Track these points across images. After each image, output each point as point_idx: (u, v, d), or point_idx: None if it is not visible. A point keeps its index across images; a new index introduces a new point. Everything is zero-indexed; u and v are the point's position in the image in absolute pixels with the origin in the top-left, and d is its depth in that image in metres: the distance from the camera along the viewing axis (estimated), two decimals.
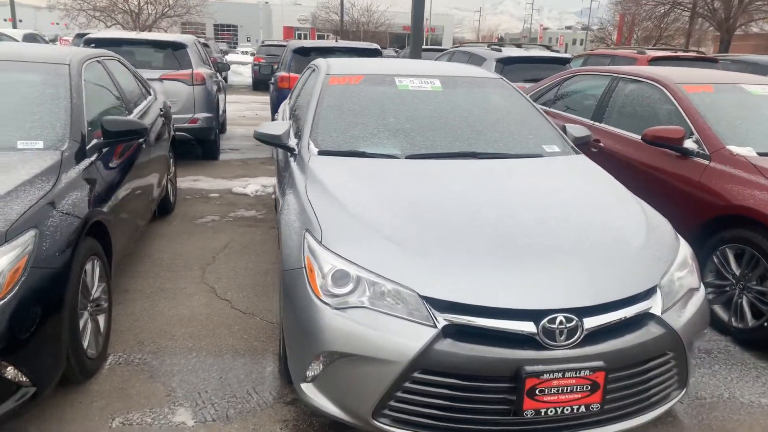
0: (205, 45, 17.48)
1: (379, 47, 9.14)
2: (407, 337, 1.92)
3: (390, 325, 1.96)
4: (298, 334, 2.13)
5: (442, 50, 11.84)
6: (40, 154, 2.69)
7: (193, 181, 6.49)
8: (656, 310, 2.10)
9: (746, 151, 3.45)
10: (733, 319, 3.29)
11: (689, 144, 3.70)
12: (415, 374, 1.92)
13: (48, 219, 2.31)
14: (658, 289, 2.15)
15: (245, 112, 12.93)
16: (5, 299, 2.03)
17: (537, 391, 1.92)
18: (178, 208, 5.42)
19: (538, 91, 5.70)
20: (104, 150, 3.14)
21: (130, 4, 25.09)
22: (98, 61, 3.86)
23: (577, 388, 1.95)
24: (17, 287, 2.07)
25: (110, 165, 3.16)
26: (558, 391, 1.93)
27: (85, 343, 2.56)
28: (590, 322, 1.99)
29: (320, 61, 4.04)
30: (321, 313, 2.03)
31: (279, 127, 3.17)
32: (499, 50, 8.19)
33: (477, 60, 8.34)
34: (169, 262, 4.09)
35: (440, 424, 1.97)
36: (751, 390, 2.81)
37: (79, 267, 2.46)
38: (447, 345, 1.92)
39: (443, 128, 3.19)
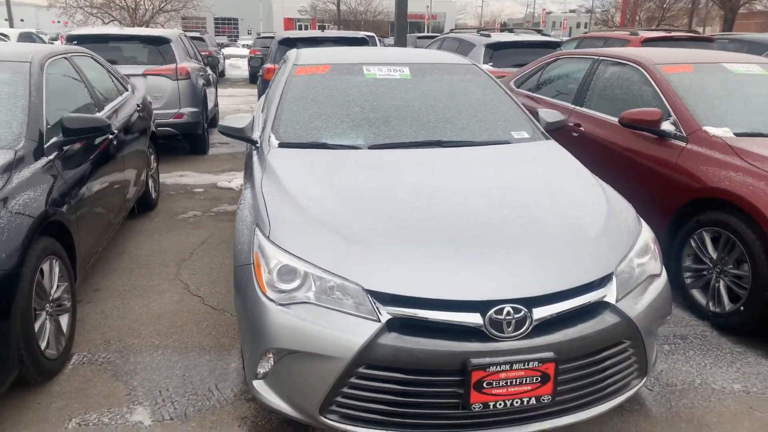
0: (200, 39, 17.41)
1: (369, 36, 9.05)
2: (351, 333, 1.88)
3: (335, 320, 1.92)
4: (249, 331, 2.09)
5: (433, 37, 11.72)
6: None
7: (179, 176, 6.46)
8: (611, 299, 2.05)
9: (722, 132, 3.37)
10: (710, 304, 3.23)
11: (666, 126, 3.62)
12: (361, 369, 1.88)
13: None
14: (613, 277, 2.09)
15: (240, 106, 12.88)
16: None
17: (485, 384, 1.87)
18: (161, 203, 5.40)
19: (522, 76, 5.61)
20: (65, 148, 3.10)
21: (128, 1, 25.01)
22: (65, 58, 3.81)
23: (526, 380, 1.90)
24: None
25: (73, 163, 3.12)
26: (507, 383, 1.89)
27: (43, 344, 2.54)
28: (539, 312, 1.93)
29: (291, 52, 3.98)
30: (266, 309, 1.99)
31: (242, 120, 3.12)
32: (488, 36, 8.07)
33: (466, 46, 8.23)
34: (145, 258, 4.07)
35: (388, 419, 1.93)
36: (725, 376, 2.76)
37: (33, 268, 2.43)
38: (392, 339, 1.87)
39: (409, 117, 3.12)
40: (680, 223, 3.43)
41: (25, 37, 14.91)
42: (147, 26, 25.28)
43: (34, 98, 3.05)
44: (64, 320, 2.82)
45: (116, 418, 2.40)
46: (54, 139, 3.03)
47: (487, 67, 7.22)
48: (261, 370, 2.07)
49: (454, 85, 3.46)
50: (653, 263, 2.28)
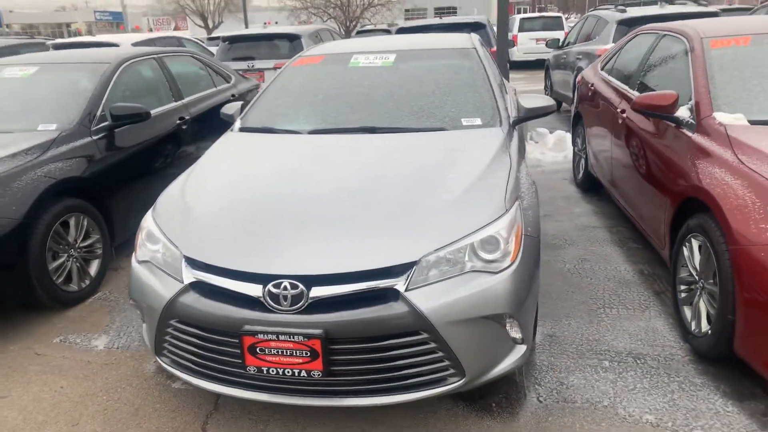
0: (386, 32, 18.34)
1: (484, 21, 8.31)
2: (164, 289, 2.21)
3: (160, 279, 2.27)
4: None
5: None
6: (43, 133, 3.55)
7: None
8: (401, 287, 2.01)
9: (732, 119, 2.76)
10: (693, 323, 2.73)
11: (681, 112, 3.06)
12: (173, 322, 2.20)
13: (14, 182, 3.12)
14: (414, 266, 2.04)
15: None
16: None
17: (258, 350, 2.04)
18: None
19: (605, 57, 5.04)
20: (115, 131, 3.92)
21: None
22: (154, 59, 4.72)
23: (296, 353, 2.01)
24: None
25: (118, 143, 3.92)
26: (278, 352, 2.03)
27: (60, 279, 3.36)
28: (317, 291, 2.02)
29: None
30: (131, 266, 2.43)
31: (233, 106, 3.58)
32: (624, 11, 7.24)
33: (602, 24, 7.51)
34: None
35: (199, 369, 2.22)
36: (644, 404, 2.37)
37: (49, 220, 3.24)
38: (191, 299, 2.15)
39: (361, 104, 3.23)
40: (677, 228, 2.92)
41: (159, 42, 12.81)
42: (357, 22, 27.53)
43: (97, 92, 3.93)
44: (93, 265, 3.65)
45: (84, 340, 3.09)
46: (103, 124, 3.87)
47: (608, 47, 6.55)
48: (141, 315, 2.51)
49: (434, 71, 3.43)
50: (487, 261, 2.11)
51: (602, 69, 5.01)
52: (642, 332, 2.91)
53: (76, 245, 3.50)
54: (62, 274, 3.40)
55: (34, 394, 2.65)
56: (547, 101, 3.26)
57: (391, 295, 2.02)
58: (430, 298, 2.01)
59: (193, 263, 2.20)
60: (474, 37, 3.83)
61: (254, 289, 2.07)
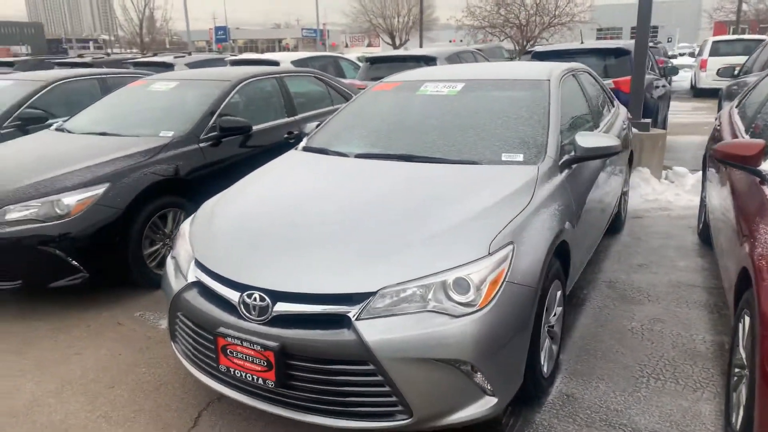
0: (653, 46, 17.11)
1: (630, 47, 7.31)
2: (176, 284, 2.53)
3: (177, 274, 2.59)
4: None
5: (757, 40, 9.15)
6: (160, 139, 4.18)
7: None
8: (352, 315, 2.05)
9: None
10: (734, 415, 2.31)
11: (766, 165, 2.61)
12: (178, 314, 2.50)
13: (124, 178, 3.74)
14: (371, 297, 2.07)
15: (684, 119, 11.96)
16: (77, 216, 3.51)
17: (228, 351, 2.24)
18: None
19: (743, 93, 4.38)
20: (223, 140, 4.47)
21: (521, 18, 27.17)
22: (273, 78, 5.26)
23: (256, 360, 2.17)
24: (86, 210, 3.54)
25: (223, 151, 4.46)
26: (243, 357, 2.20)
27: (153, 264, 3.93)
28: (280, 307, 2.15)
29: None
30: (167, 260, 2.81)
31: (312, 125, 3.86)
32: None
33: None
34: None
35: (192, 358, 2.49)
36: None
37: (147, 213, 3.82)
38: (191, 296, 2.42)
39: (411, 132, 3.28)
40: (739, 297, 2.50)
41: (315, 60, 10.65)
42: (534, 42, 26.93)
43: (213, 105, 4.53)
44: None
45: (157, 318, 3.59)
46: (211, 134, 4.42)
47: None
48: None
49: (496, 102, 3.35)
50: (459, 301, 2.06)
51: (737, 106, 4.37)
52: (679, 413, 2.53)
53: (171, 235, 4.07)
54: (156, 259, 3.98)
55: (99, 356, 3.17)
56: (611, 141, 2.99)
57: (345, 322, 2.08)
58: (378, 331, 2.02)
59: (199, 265, 2.48)
60: (554, 68, 3.63)
61: (233, 296, 2.27)
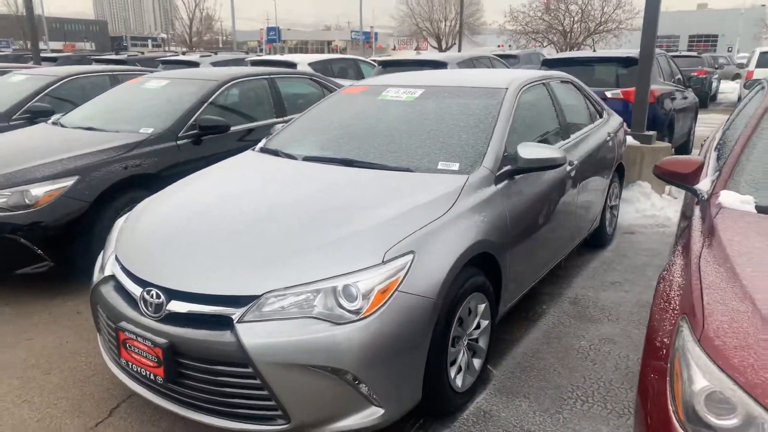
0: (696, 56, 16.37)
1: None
2: (96, 275, 2.62)
3: (101, 267, 2.66)
4: None
5: None
6: (139, 135, 4.31)
7: None
8: (235, 317, 2.06)
9: (736, 202, 2.15)
10: None
11: (703, 185, 2.47)
12: (98, 306, 2.57)
13: (94, 172, 3.87)
14: (256, 300, 2.07)
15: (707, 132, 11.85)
16: (44, 206, 3.65)
17: (127, 345, 2.29)
18: None
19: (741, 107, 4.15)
20: (202, 139, 4.56)
21: (565, 24, 26.68)
22: (264, 79, 5.33)
23: (148, 356, 2.21)
24: (53, 201, 3.68)
25: (200, 150, 4.55)
26: (138, 352, 2.24)
27: None
28: (173, 305, 2.18)
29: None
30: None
31: (277, 128, 3.90)
32: None
33: None
34: None
35: (107, 349, 2.56)
36: None
37: (117, 208, 3.94)
38: (105, 289, 2.49)
39: (358, 136, 3.27)
40: None
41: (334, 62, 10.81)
42: (578, 48, 26.36)
43: (195, 104, 4.63)
44: None
45: None
46: (190, 132, 4.52)
47: None
48: None
49: (449, 109, 3.29)
50: (348, 308, 2.04)
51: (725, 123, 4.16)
52: None
53: None
54: None
55: (47, 342, 3.29)
56: (553, 153, 2.90)
57: (230, 324, 2.09)
58: (258, 335, 2.03)
59: (117, 259, 2.55)
60: (517, 77, 3.54)
61: (136, 291, 2.32)
